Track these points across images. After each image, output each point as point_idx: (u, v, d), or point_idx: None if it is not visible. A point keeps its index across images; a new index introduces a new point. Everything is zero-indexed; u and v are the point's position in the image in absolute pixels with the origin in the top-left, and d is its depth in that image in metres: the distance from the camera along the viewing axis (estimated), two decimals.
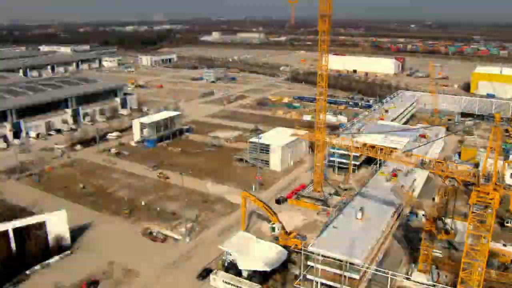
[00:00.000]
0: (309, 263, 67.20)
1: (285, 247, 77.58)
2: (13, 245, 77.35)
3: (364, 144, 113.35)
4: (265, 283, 71.25)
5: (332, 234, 71.90)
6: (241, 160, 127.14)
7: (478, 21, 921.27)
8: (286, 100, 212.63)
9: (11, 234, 77.10)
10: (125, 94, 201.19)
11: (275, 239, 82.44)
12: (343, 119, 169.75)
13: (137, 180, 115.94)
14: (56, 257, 79.56)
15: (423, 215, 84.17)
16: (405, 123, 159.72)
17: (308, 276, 67.34)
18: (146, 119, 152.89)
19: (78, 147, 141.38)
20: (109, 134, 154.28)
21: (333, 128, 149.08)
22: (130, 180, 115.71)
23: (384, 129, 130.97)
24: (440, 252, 77.32)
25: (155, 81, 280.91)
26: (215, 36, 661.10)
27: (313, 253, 66.09)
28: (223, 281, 70.86)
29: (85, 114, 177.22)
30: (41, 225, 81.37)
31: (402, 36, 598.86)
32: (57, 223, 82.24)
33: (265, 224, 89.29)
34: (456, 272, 63.93)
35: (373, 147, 74.79)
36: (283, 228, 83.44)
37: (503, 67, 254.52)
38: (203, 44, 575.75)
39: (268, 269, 71.77)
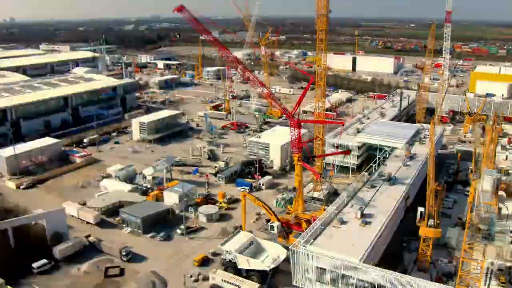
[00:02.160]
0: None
1: (284, 246, 77.68)
2: (12, 243, 77.56)
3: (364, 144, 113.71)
4: (265, 282, 71.41)
5: (332, 233, 72.12)
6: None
7: (477, 20, 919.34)
8: None
9: (10, 232, 77.28)
10: (125, 93, 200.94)
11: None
12: None
13: None
14: None
15: (420, 212, 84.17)
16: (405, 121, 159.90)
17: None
18: (145, 118, 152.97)
19: None
20: None
21: None
22: None
23: (386, 128, 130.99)
24: None
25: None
26: (215, 35, 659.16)
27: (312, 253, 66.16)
28: (222, 280, 70.96)
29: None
30: (40, 223, 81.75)
31: (402, 36, 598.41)
32: (56, 221, 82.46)
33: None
34: None
35: None
36: (282, 227, 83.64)
37: (502, 67, 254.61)
38: (203, 43, 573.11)
39: (267, 268, 71.93)
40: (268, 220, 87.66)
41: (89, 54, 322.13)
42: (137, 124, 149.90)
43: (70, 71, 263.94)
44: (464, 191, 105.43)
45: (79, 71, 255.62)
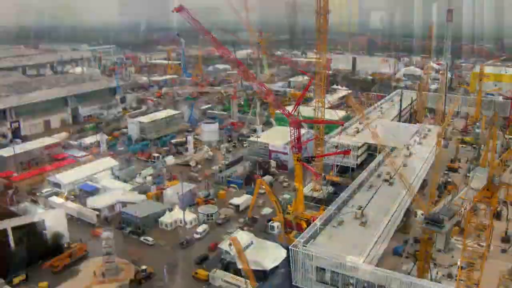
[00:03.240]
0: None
1: (284, 245, 77.53)
2: (11, 243, 77.35)
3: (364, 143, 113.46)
4: (264, 282, 71.26)
5: (331, 233, 72.04)
6: None
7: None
8: None
9: (9, 232, 77.11)
10: (125, 92, 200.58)
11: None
12: None
13: None
14: None
15: (422, 214, 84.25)
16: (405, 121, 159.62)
17: None
18: (144, 118, 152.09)
19: None
20: None
21: None
22: None
23: (386, 128, 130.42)
24: None
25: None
26: (215, 35, 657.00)
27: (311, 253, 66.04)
28: (221, 280, 70.82)
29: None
30: (40, 223, 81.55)
31: (401, 35, 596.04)
32: (55, 221, 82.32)
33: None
34: None
35: None
36: (285, 226, 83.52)
37: (504, 67, 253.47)
38: (203, 43, 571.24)
39: (267, 268, 71.78)
40: (268, 220, 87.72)
41: (89, 54, 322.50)
42: (135, 123, 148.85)
43: (69, 71, 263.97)
44: None
45: (79, 70, 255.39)
